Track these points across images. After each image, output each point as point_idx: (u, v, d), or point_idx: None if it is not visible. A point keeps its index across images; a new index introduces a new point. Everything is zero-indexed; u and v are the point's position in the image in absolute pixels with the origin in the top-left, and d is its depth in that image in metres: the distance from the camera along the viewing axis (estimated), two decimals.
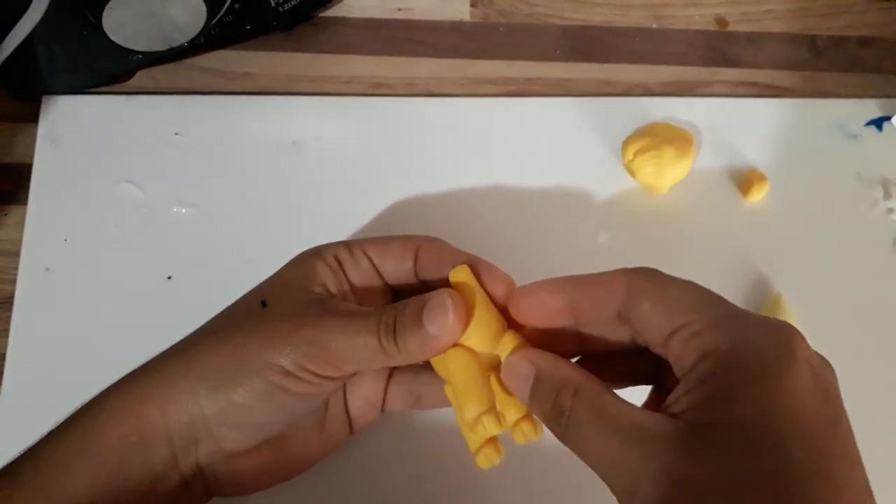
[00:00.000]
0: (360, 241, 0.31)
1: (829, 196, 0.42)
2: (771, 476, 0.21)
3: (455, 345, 0.28)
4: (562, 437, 0.25)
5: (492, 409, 0.27)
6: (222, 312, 0.31)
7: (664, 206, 0.41)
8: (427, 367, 0.32)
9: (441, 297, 0.27)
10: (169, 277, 0.38)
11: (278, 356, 0.27)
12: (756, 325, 0.24)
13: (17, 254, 0.38)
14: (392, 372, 0.33)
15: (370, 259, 0.31)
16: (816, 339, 0.38)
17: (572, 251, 0.40)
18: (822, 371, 0.24)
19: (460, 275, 0.29)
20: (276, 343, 0.27)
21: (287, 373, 0.27)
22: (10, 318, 0.36)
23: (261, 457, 0.30)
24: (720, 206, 0.41)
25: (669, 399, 0.23)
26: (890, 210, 0.42)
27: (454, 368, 0.28)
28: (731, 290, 0.39)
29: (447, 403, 0.30)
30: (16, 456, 0.28)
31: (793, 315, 0.38)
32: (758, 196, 0.41)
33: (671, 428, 0.22)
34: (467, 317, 0.28)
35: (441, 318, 0.27)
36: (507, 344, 0.28)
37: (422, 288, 0.31)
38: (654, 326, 0.25)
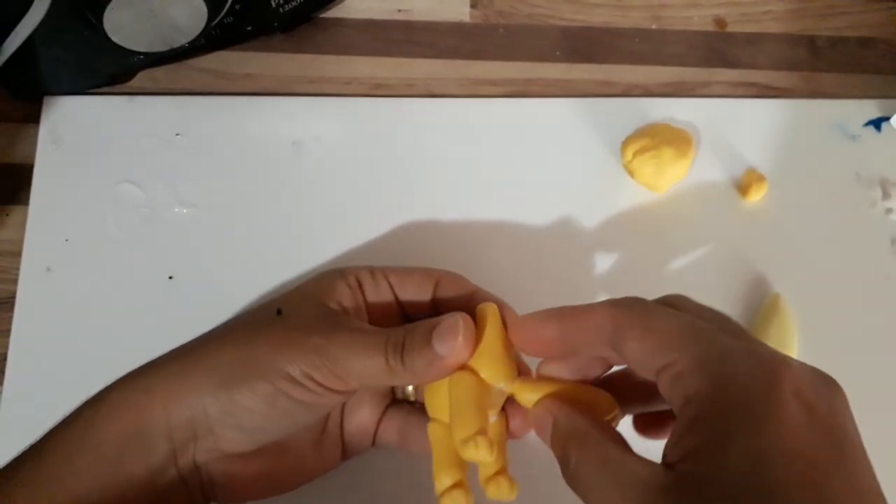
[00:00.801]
0: (384, 268, 0.32)
1: (827, 196, 0.42)
2: None
3: (462, 367, 0.29)
4: (569, 484, 0.25)
5: (481, 432, 0.27)
6: (239, 316, 0.32)
7: (663, 207, 0.41)
8: (419, 410, 0.33)
9: (453, 319, 0.28)
10: (170, 277, 0.38)
11: (286, 362, 0.28)
12: (740, 362, 0.23)
13: (18, 254, 0.38)
14: (387, 408, 0.34)
15: (391, 285, 0.32)
16: (815, 340, 0.39)
17: (572, 251, 0.40)
18: (820, 400, 0.22)
19: (486, 309, 0.30)
20: (284, 349, 0.28)
21: (293, 380, 0.28)
22: (11, 318, 0.37)
23: (256, 463, 0.30)
24: (719, 207, 0.41)
25: (666, 447, 0.23)
26: (888, 210, 0.42)
27: (456, 388, 0.28)
28: (730, 290, 0.40)
29: (430, 449, 0.30)
30: (20, 452, 0.28)
31: (791, 315, 0.38)
32: (756, 196, 0.41)
33: (667, 480, 0.22)
34: (476, 343, 0.28)
35: (451, 339, 0.28)
36: (519, 388, 0.29)
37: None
38: (642, 363, 0.25)
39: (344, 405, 0.33)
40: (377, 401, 0.33)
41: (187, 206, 0.39)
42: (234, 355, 0.28)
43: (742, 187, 0.41)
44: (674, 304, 0.26)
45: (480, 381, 0.28)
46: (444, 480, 0.28)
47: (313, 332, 0.28)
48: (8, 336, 0.36)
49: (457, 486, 0.28)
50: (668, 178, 0.40)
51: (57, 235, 0.38)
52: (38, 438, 0.28)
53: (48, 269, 0.38)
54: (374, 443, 0.34)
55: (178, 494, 0.29)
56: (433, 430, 0.30)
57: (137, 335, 0.36)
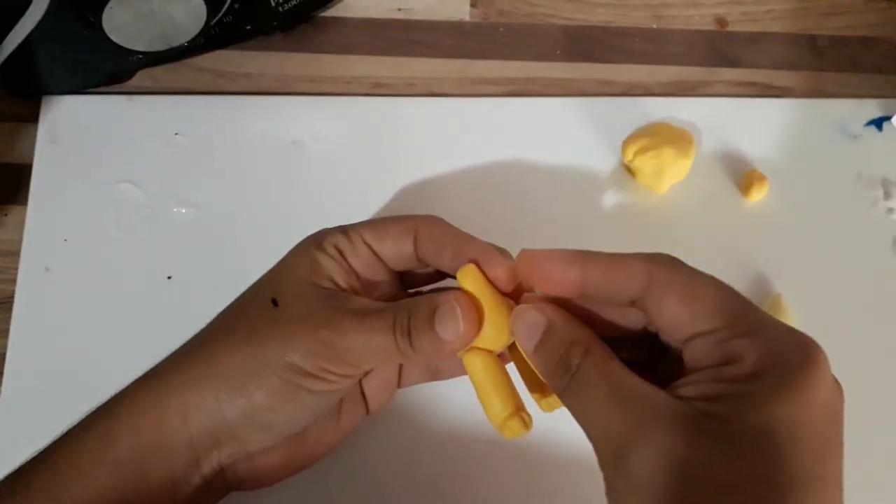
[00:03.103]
0: (358, 227, 0.31)
1: (829, 196, 0.42)
2: (765, 480, 0.21)
3: (471, 348, 0.28)
4: (560, 392, 0.25)
5: (516, 411, 0.27)
6: (233, 310, 0.31)
7: (664, 207, 0.41)
8: None
9: (450, 305, 0.28)
10: (169, 277, 0.38)
11: (296, 358, 0.27)
12: (785, 339, 0.23)
13: (17, 254, 0.38)
14: None
15: (369, 245, 0.31)
16: (816, 339, 0.38)
17: None
18: (836, 396, 0.24)
19: (467, 275, 0.29)
20: (292, 345, 0.28)
21: (307, 373, 0.28)
22: (10, 318, 0.37)
23: (280, 452, 0.30)
24: (720, 207, 0.41)
25: (678, 382, 0.23)
26: (890, 210, 0.42)
27: (473, 374, 0.28)
28: None
29: (464, 372, 0.30)
30: (28, 458, 0.28)
31: (792, 315, 0.38)
32: (758, 196, 0.41)
33: (677, 407, 0.22)
34: (479, 318, 0.28)
35: (452, 325, 0.27)
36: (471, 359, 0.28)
37: (426, 270, 0.31)
38: (675, 323, 0.24)
39: None
40: None
41: (186, 206, 0.39)
42: (244, 358, 0.28)
43: (743, 187, 0.41)
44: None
45: (486, 354, 0.28)
46: (499, 411, 0.27)
47: (319, 325, 0.28)
48: (7, 336, 0.36)
49: (514, 413, 0.27)
50: (668, 177, 0.40)
51: (56, 235, 0.38)
52: (47, 447, 0.28)
53: (47, 269, 0.38)
54: (399, 385, 0.34)
55: (201, 494, 0.29)
56: (470, 362, 0.29)
57: (136, 335, 0.36)
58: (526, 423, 0.28)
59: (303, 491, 0.34)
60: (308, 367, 0.27)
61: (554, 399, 0.28)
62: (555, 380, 0.25)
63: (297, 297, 0.29)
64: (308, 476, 0.32)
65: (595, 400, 0.24)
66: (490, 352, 0.28)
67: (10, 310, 0.37)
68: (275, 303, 0.29)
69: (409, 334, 0.28)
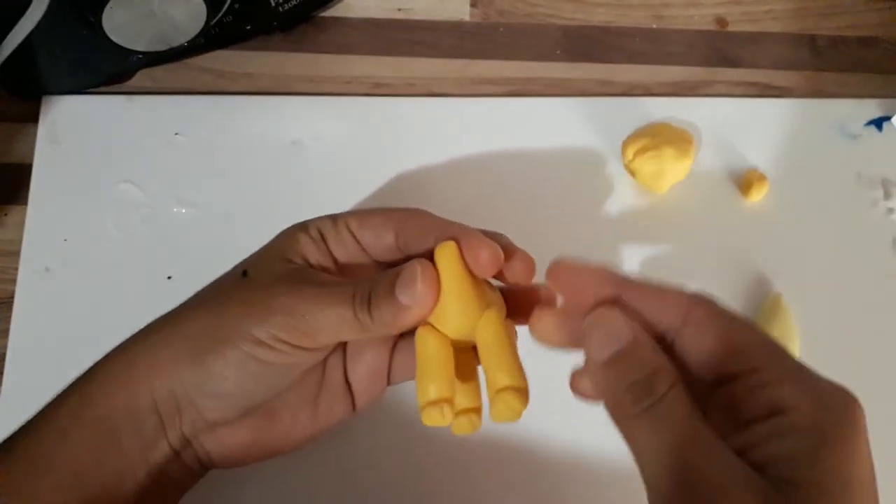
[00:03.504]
0: (346, 215, 0.31)
1: (829, 196, 0.42)
2: None
3: (426, 324, 0.28)
4: (627, 415, 0.24)
5: (443, 401, 0.26)
6: (211, 283, 0.31)
7: (664, 207, 0.41)
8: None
9: (412, 268, 0.27)
10: (169, 277, 0.38)
11: (253, 326, 0.27)
12: (826, 387, 0.24)
13: (17, 254, 0.38)
14: (396, 341, 0.32)
15: (352, 232, 0.30)
16: (816, 340, 0.38)
17: (572, 251, 0.40)
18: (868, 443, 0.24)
19: (443, 252, 0.28)
20: (251, 312, 0.28)
21: (261, 343, 0.27)
22: (10, 317, 0.37)
23: (246, 429, 0.30)
24: (720, 206, 0.41)
25: (744, 439, 0.23)
26: (890, 210, 0.42)
27: (420, 350, 0.28)
28: (730, 290, 0.40)
29: None
30: (14, 430, 0.28)
31: (792, 315, 0.38)
32: (758, 196, 0.41)
33: (756, 483, 0.22)
34: (438, 287, 0.27)
35: (411, 287, 0.27)
36: (483, 323, 0.27)
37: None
38: (710, 360, 0.24)
39: (345, 353, 0.32)
40: (381, 341, 0.32)
41: (186, 206, 0.39)
42: (203, 323, 0.28)
43: (743, 187, 0.41)
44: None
45: (441, 336, 0.28)
46: (428, 392, 0.26)
47: (278, 292, 0.28)
48: (7, 336, 0.36)
49: (441, 402, 0.26)
50: (668, 177, 0.40)
51: (56, 235, 0.38)
52: (32, 416, 0.28)
53: (47, 268, 0.38)
54: (389, 382, 0.32)
55: (173, 466, 0.29)
56: (422, 338, 0.28)
57: None
58: (445, 415, 0.26)
59: (296, 489, 0.34)
60: (261, 335, 0.27)
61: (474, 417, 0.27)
62: (626, 400, 0.24)
63: (265, 270, 0.29)
64: (302, 474, 0.32)
65: (671, 437, 0.23)
66: (445, 336, 0.28)
67: (10, 310, 0.37)
68: (244, 274, 0.30)
69: (369, 303, 0.27)
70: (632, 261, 0.40)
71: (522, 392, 0.26)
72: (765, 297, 0.39)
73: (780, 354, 0.24)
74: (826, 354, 0.39)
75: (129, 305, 0.37)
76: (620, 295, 0.26)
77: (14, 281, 0.37)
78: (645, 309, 0.25)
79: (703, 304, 0.25)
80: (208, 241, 0.39)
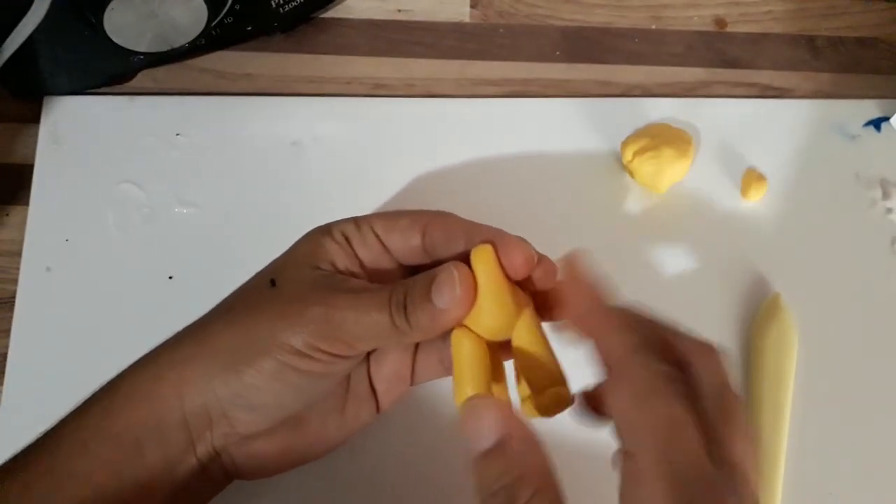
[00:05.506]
0: (370, 217, 0.30)
1: (827, 196, 0.42)
2: None
3: (462, 326, 0.28)
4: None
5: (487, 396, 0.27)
6: (235, 292, 0.31)
7: (663, 207, 0.41)
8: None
9: (448, 271, 0.27)
10: (170, 278, 0.38)
11: (289, 335, 0.27)
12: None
13: (18, 254, 0.38)
14: (418, 343, 0.32)
15: (377, 235, 0.30)
16: (815, 340, 0.39)
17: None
18: None
19: (480, 254, 0.28)
20: (285, 323, 0.27)
21: (298, 352, 0.27)
22: (11, 317, 0.37)
23: (277, 439, 0.30)
24: (719, 207, 0.41)
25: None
26: (888, 210, 0.42)
27: (456, 351, 0.28)
28: (729, 290, 0.40)
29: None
30: (35, 438, 0.28)
31: (791, 315, 0.38)
32: (756, 196, 0.41)
33: None
34: (475, 290, 0.27)
35: (448, 291, 0.27)
36: (522, 325, 0.28)
37: (437, 266, 0.30)
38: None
39: (368, 356, 0.31)
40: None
41: (187, 206, 0.39)
42: (235, 335, 0.28)
43: (742, 187, 0.41)
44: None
45: (477, 338, 0.28)
46: (467, 393, 0.27)
47: (312, 302, 0.27)
48: (8, 336, 0.36)
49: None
50: (668, 178, 0.40)
51: (57, 235, 0.38)
52: (52, 426, 0.28)
53: (48, 268, 0.38)
54: (412, 382, 0.32)
55: (198, 480, 0.29)
56: (458, 339, 0.28)
57: (138, 335, 0.36)
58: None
59: (303, 489, 0.34)
60: (298, 345, 0.27)
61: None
62: None
63: (294, 278, 0.29)
64: (308, 475, 0.32)
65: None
66: (481, 338, 0.28)
67: (11, 309, 0.37)
68: (273, 283, 0.29)
69: (405, 309, 0.27)
70: (631, 261, 0.40)
71: (567, 388, 0.28)
72: (763, 297, 0.39)
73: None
74: (825, 354, 0.39)
75: (130, 305, 0.37)
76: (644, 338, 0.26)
77: (15, 281, 0.37)
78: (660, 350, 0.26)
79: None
80: (209, 242, 0.39)
